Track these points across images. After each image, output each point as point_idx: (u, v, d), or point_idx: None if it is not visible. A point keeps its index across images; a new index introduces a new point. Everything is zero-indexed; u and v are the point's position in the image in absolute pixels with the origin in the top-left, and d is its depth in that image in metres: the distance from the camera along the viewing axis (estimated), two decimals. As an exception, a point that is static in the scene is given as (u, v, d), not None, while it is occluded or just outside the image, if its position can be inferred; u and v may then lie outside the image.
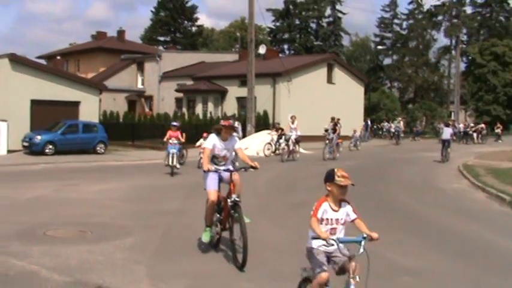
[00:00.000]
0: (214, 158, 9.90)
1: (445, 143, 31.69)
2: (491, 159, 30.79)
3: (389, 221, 13.31)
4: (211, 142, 9.77)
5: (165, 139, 23.19)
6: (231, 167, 10.07)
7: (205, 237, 9.66)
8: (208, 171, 9.47)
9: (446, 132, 32.54)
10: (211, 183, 9.60)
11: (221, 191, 9.83)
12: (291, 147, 30.47)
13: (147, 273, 8.45)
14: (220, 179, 9.79)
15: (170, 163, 22.24)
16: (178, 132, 23.11)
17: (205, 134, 24.87)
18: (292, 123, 31.48)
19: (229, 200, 9.34)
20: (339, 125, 33.45)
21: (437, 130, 58.54)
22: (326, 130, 44.82)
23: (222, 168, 9.88)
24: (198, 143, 25.37)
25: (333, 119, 34.12)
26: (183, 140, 23.35)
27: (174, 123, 23.88)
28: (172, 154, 22.30)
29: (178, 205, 14.82)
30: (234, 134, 10.22)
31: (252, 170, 9.63)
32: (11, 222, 12.06)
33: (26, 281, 7.88)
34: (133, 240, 10.68)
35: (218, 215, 9.81)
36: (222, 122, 9.82)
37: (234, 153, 10.43)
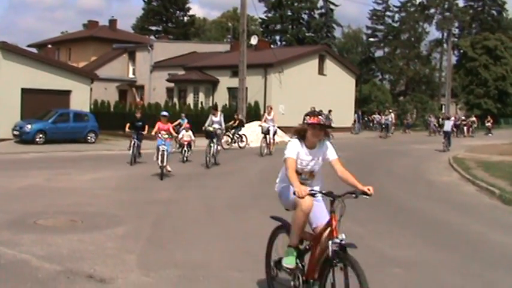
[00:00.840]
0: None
1: (447, 135, 35.08)
2: (482, 152, 30.89)
3: (380, 213, 13.36)
4: (294, 150, 6.68)
5: (153, 132, 19.70)
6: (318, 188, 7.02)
7: (290, 261, 6.57)
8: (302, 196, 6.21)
9: (448, 125, 35.96)
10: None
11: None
12: (269, 140, 28.09)
13: (138, 263, 8.45)
14: None
15: (160, 163, 18.45)
16: (169, 124, 20.03)
17: (187, 125, 25.20)
18: (269, 114, 29.31)
19: (331, 243, 6.12)
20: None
21: (428, 123, 58.60)
22: None
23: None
24: (180, 135, 24.75)
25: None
26: (175, 134, 21.53)
27: (164, 113, 20.36)
28: (162, 152, 18.51)
29: (169, 195, 14.82)
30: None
31: (365, 196, 6.46)
32: (2, 211, 12.02)
33: (17, 270, 7.87)
34: (125, 230, 10.68)
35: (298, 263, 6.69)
36: (309, 119, 6.70)
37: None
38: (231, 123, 31.97)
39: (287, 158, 6.64)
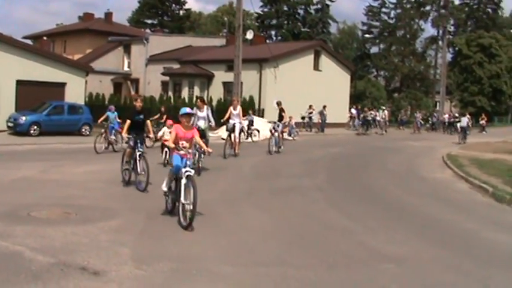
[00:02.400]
0: None
1: (463, 129, 40.10)
2: (475, 150, 30.96)
3: (373, 209, 13.40)
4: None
5: (169, 143, 12.14)
6: None
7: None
8: None
9: (463, 121, 41.11)
10: None
11: None
12: (234, 139, 24.05)
13: (132, 255, 8.46)
14: None
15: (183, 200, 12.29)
16: (194, 130, 12.21)
17: (170, 122, 20.66)
18: (234, 108, 24.91)
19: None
20: (285, 113, 27.61)
21: (402, 121, 58.53)
22: (303, 118, 44.87)
23: None
24: (160, 133, 21.17)
25: (278, 104, 28.33)
26: (202, 145, 12.85)
27: (187, 111, 11.87)
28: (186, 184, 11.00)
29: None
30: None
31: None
32: (-5, 202, 12.03)
33: (10, 261, 7.87)
34: (118, 222, 10.69)
35: None
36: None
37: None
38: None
39: None
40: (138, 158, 14.75)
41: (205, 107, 20.49)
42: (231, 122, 24.26)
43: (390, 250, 9.60)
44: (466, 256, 9.47)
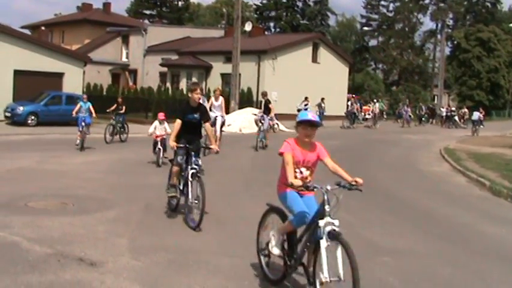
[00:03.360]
0: None
1: (475, 123, 44.44)
2: (473, 144, 31.03)
3: (371, 202, 13.40)
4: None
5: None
6: None
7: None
8: None
9: (475, 115, 45.47)
10: None
11: None
12: (214, 133, 20.46)
13: (129, 247, 8.46)
14: None
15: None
16: (318, 149, 9.27)
17: (161, 116, 18.86)
18: (216, 99, 22.35)
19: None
20: (271, 105, 25.54)
21: (400, 114, 57.01)
22: (299, 110, 44.56)
23: None
24: (150, 129, 18.77)
25: (264, 94, 26.56)
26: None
27: (310, 118, 7.23)
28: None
29: (161, 179, 14.72)
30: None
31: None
32: (-8, 192, 12.03)
33: (7, 252, 7.86)
34: (116, 214, 10.69)
35: None
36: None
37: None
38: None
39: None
40: (190, 178, 10.30)
41: (220, 97, 22.21)
42: (212, 114, 20.52)
43: (387, 243, 9.61)
44: (463, 249, 9.49)
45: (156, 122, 18.71)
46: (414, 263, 8.51)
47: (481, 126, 54.43)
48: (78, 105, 22.72)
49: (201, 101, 12.39)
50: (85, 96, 24.00)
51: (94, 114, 23.24)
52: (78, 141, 21.84)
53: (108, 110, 26.21)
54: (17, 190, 12.47)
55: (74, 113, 22.60)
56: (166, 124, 18.48)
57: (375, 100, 51.87)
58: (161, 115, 18.85)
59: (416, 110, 60.99)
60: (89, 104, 22.77)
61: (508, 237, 10.69)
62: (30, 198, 11.55)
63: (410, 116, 52.75)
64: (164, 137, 17.94)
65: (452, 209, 13.24)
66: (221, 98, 22.56)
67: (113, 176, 15.42)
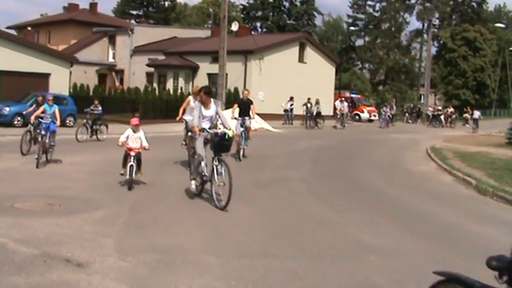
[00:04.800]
0: None
1: (474, 121, 48.98)
2: (459, 143, 31.18)
3: (357, 201, 13.46)
4: None
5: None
6: None
7: None
8: None
9: (476, 114, 50.09)
10: None
11: None
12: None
13: (116, 247, 8.44)
14: None
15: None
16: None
17: (135, 121, 14.10)
18: (195, 100, 16.24)
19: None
20: (253, 105, 21.69)
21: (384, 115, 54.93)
22: (285, 110, 44.24)
23: None
24: (122, 137, 13.81)
25: (245, 93, 22.44)
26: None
27: None
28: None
29: (148, 179, 14.76)
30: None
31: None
32: (-22, 193, 11.97)
33: (-7, 253, 7.85)
34: (103, 214, 10.66)
35: None
36: None
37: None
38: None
39: None
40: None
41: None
42: (189, 118, 16.65)
43: (374, 242, 9.64)
44: (450, 248, 9.53)
45: (129, 130, 13.92)
46: (401, 262, 8.53)
47: (467, 125, 54.85)
48: (41, 109, 18.44)
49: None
50: (50, 97, 18.68)
51: (58, 122, 18.17)
52: (37, 155, 16.89)
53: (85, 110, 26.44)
54: (3, 191, 12.42)
55: (32, 118, 18.87)
56: (142, 133, 14.04)
57: (342, 99, 48.53)
58: (134, 120, 14.16)
59: (404, 109, 61.36)
60: (56, 108, 18.18)
61: (494, 236, 10.73)
62: (17, 199, 11.50)
63: (389, 116, 51.24)
64: (139, 151, 13.81)
65: (439, 207, 13.28)
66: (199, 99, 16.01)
67: (100, 176, 15.38)
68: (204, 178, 12.33)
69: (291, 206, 12.65)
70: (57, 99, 32.17)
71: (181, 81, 48.93)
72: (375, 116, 55.35)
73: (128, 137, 13.81)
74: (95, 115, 25.86)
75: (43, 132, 17.29)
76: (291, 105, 43.16)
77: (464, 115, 59.35)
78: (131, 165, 13.43)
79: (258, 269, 7.76)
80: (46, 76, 35.83)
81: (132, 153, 13.62)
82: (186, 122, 17.35)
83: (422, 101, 73.07)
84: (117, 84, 56.33)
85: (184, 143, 17.75)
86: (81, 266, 7.51)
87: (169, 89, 46.30)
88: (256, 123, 29.04)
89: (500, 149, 28.09)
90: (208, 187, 12.31)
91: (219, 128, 12.87)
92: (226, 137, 12.04)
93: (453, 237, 10.46)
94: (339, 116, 45.35)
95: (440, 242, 9.99)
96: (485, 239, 10.48)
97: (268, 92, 44.99)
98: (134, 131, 13.91)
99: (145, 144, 13.92)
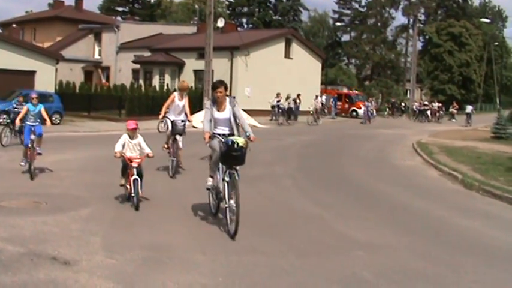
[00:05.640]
0: None
1: (468, 115, 51.13)
2: (445, 137, 31.30)
3: (344, 196, 13.49)
4: None
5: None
6: None
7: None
8: None
9: (468, 108, 52.31)
10: None
11: None
12: (176, 147, 15.66)
13: (103, 245, 8.43)
14: None
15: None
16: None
17: (133, 125, 11.50)
18: (181, 99, 15.97)
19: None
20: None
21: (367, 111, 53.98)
22: (273, 107, 43.67)
23: None
24: (117, 146, 11.53)
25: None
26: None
27: None
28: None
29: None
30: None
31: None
32: (-36, 191, 11.91)
33: (-21, 251, 7.81)
34: (89, 212, 10.64)
35: None
36: None
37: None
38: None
39: None
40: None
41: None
42: (177, 120, 15.69)
43: (361, 237, 9.66)
44: (436, 242, 9.57)
45: (125, 136, 11.60)
46: (388, 257, 8.56)
47: (453, 120, 55.14)
48: (25, 109, 15.82)
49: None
50: (34, 95, 16.13)
51: (48, 122, 15.99)
52: (23, 162, 15.14)
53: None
54: (-11, 189, 12.37)
55: (17, 121, 16.35)
56: (141, 138, 11.75)
57: (316, 94, 47.43)
58: (131, 124, 11.59)
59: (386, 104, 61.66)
60: (41, 107, 15.74)
61: (480, 230, 10.80)
62: (2, 197, 11.44)
63: (371, 112, 50.49)
64: (142, 161, 11.57)
65: (425, 202, 13.33)
66: (185, 99, 16.19)
67: (86, 174, 15.34)
68: (220, 195, 10.03)
69: (278, 201, 12.70)
70: (43, 97, 32.20)
71: (167, 78, 48.82)
72: (372, 113, 54.87)
73: (124, 145, 11.51)
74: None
75: (31, 137, 14.93)
76: (278, 101, 43.00)
77: (450, 110, 59.59)
78: (135, 180, 11.06)
79: (246, 265, 7.78)
80: (32, 73, 35.65)
81: (135, 165, 11.26)
82: (173, 122, 15.54)
83: (408, 96, 73.32)
84: (103, 81, 56.14)
85: (166, 146, 15.78)
86: (68, 264, 7.49)
87: (155, 86, 46.15)
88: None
89: (486, 143, 28.25)
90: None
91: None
92: (236, 146, 9.50)
93: (439, 231, 10.51)
94: (311, 112, 43.29)
95: (426, 236, 10.03)
96: (470, 232, 10.54)
97: (255, 88, 44.97)
98: (131, 137, 11.57)
99: (148, 151, 11.55)
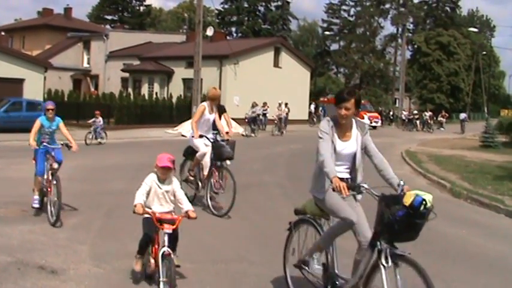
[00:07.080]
0: None
1: (462, 122, 53.75)
2: (433, 146, 31.40)
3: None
4: None
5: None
6: None
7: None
8: None
9: (462, 116, 55.51)
10: None
11: None
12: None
13: (90, 254, 8.41)
14: None
15: None
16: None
17: (168, 162, 6.95)
18: (211, 110, 12.67)
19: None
20: (226, 113, 14.20)
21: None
22: (258, 115, 42.41)
23: None
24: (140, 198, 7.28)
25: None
26: None
27: None
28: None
29: (122, 186, 14.72)
30: None
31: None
32: (-49, 200, 11.85)
33: (-34, 260, 7.78)
34: (77, 221, 10.61)
35: None
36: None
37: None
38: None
39: None
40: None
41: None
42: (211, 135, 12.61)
43: (349, 246, 9.66)
44: (424, 250, 9.57)
45: (153, 178, 7.26)
46: (375, 265, 8.56)
47: (442, 129, 55.34)
48: (38, 124, 11.76)
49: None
50: (51, 106, 11.92)
51: (74, 145, 11.72)
52: (35, 201, 11.20)
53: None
54: (-24, 198, 12.32)
55: (31, 141, 11.56)
56: (177, 184, 7.42)
57: (280, 102, 43.46)
58: (165, 160, 7.11)
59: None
60: (59, 122, 11.88)
61: (468, 238, 10.84)
62: (-10, 206, 11.41)
63: None
64: (176, 225, 7.07)
65: (413, 211, 13.35)
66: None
67: (74, 182, 15.27)
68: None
69: (266, 210, 12.73)
70: (32, 105, 32.16)
71: (156, 87, 48.91)
72: (376, 122, 54.65)
73: (149, 192, 7.28)
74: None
75: (52, 165, 11.19)
76: (264, 110, 42.81)
77: (438, 118, 59.82)
78: (167, 255, 6.65)
79: (233, 274, 7.78)
80: (20, 81, 35.59)
81: (167, 230, 6.87)
82: (216, 144, 12.20)
83: (397, 105, 73.51)
84: (92, 89, 56.13)
85: (192, 175, 12.73)
86: (56, 273, 7.47)
87: (144, 94, 46.20)
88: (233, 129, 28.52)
89: (474, 152, 28.33)
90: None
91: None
92: (423, 207, 6.66)
93: (428, 239, 10.47)
94: (275, 122, 41.19)
95: (414, 244, 9.99)
96: (458, 241, 10.58)
97: (244, 97, 45.00)
98: (161, 181, 7.23)
99: (188, 207, 7.24)
